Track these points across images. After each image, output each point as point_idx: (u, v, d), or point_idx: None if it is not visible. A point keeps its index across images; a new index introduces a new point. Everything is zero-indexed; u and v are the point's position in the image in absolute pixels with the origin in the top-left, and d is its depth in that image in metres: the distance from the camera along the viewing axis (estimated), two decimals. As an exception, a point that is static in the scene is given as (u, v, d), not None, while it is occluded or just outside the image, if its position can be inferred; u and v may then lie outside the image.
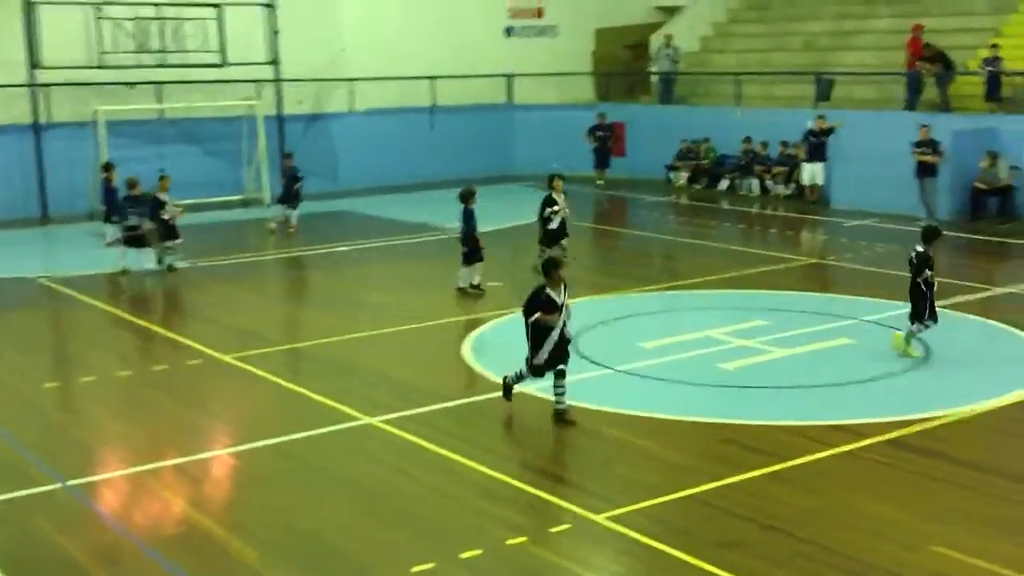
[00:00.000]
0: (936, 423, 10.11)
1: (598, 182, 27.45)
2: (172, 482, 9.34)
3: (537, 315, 10.13)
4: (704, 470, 9.11)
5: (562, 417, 10.29)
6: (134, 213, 17.66)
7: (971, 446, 9.66)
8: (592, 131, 27.58)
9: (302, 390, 11.61)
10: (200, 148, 24.83)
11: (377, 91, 27.40)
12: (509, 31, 30.44)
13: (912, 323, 12.18)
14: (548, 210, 16.47)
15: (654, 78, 29.90)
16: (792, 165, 24.63)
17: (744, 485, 8.83)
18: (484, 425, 10.48)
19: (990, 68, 22.40)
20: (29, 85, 23.52)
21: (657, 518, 8.31)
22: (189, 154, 24.33)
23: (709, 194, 25.88)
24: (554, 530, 8.08)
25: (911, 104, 23.29)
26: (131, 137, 23.86)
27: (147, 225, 17.59)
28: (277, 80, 26.00)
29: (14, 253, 20.04)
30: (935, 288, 12.10)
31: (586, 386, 11.44)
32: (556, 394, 10.36)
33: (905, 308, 12.59)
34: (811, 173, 23.68)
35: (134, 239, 17.61)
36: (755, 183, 25.39)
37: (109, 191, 19.36)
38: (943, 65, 23.26)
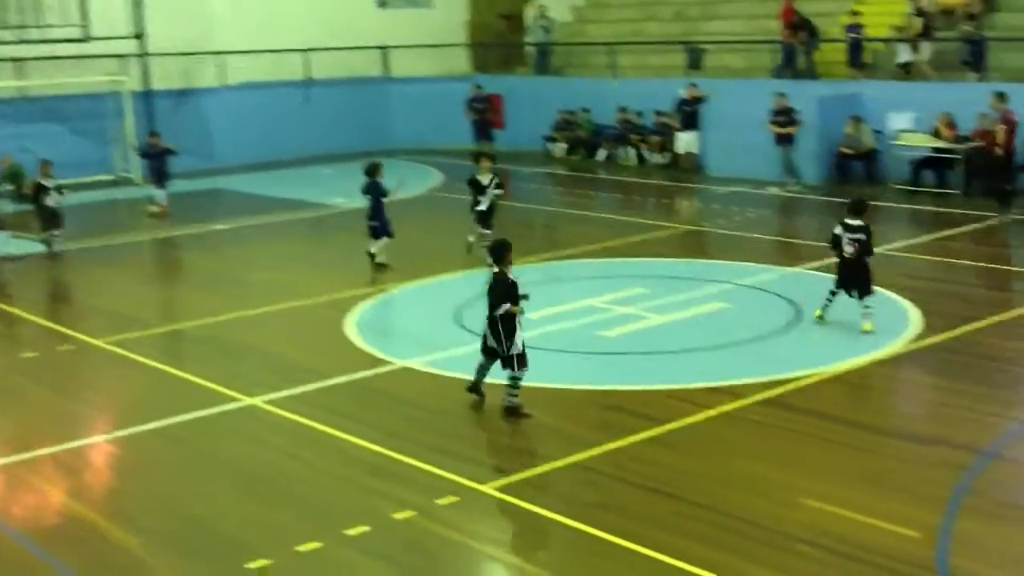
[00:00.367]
0: (806, 382, 10.47)
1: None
2: (48, 472, 9.09)
3: (506, 307, 9.77)
4: (587, 437, 9.27)
5: (516, 412, 9.78)
6: None
7: (838, 402, 10.03)
8: (470, 103, 27.55)
9: (182, 373, 11.40)
10: (65, 127, 24.01)
11: (249, 65, 26.82)
12: (383, 2, 30.14)
13: (862, 298, 11.85)
14: (475, 193, 15.85)
15: (530, 49, 29.99)
16: (667, 134, 25.03)
17: (626, 450, 9.01)
18: (369, 402, 10.46)
19: (853, 35, 23.11)
20: None
21: (543, 486, 8.44)
22: (53, 133, 23.49)
23: (587, 164, 26.15)
24: (441, 502, 8.12)
25: (783, 72, 23.87)
26: (-10, 116, 23.00)
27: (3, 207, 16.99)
28: (143, 55, 25.23)
29: None
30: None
31: (471, 359, 11.48)
32: (513, 388, 9.83)
33: (778, 271, 12.95)
34: (685, 142, 24.10)
35: None
36: (632, 152, 25.75)
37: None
38: (808, 32, 23.91)
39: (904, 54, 22.82)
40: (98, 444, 9.74)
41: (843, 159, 21.98)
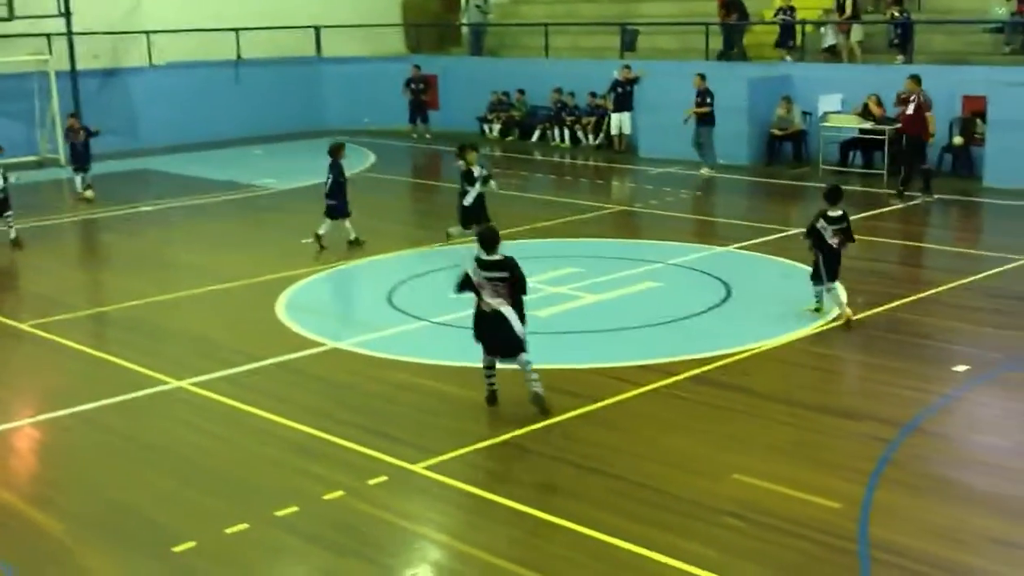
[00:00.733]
0: (735, 358, 10.60)
1: (412, 135, 27.31)
2: (-32, 458, 8.89)
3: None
4: (519, 416, 9.28)
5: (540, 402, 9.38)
6: None
7: (767, 378, 10.16)
8: (408, 83, 27.38)
9: (108, 356, 11.20)
10: (-12, 106, 23.46)
11: (177, 44, 26.36)
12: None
13: (828, 283, 11.73)
14: (464, 185, 14.82)
15: (465, 29, 29.87)
16: (600, 115, 25.11)
17: (559, 427, 9.05)
18: (298, 383, 10.37)
19: (785, 17, 23.35)
20: None
21: (475, 464, 8.44)
22: (-25, 114, 22.95)
23: (521, 145, 26.14)
24: (372, 482, 8.09)
25: (725, 55, 24.04)
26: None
27: None
28: (69, 33, 24.66)
29: None
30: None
31: (402, 339, 11.48)
32: (535, 378, 9.41)
33: (709, 251, 13.04)
34: (618, 123, 24.21)
35: None
36: (566, 133, 25.78)
37: None
38: (740, 14, 24.12)
39: (830, 38, 23.12)
40: (21, 429, 9.54)
41: (773, 140, 22.24)
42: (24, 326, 12.25)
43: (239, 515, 7.61)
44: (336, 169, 15.59)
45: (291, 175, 22.13)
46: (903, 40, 21.78)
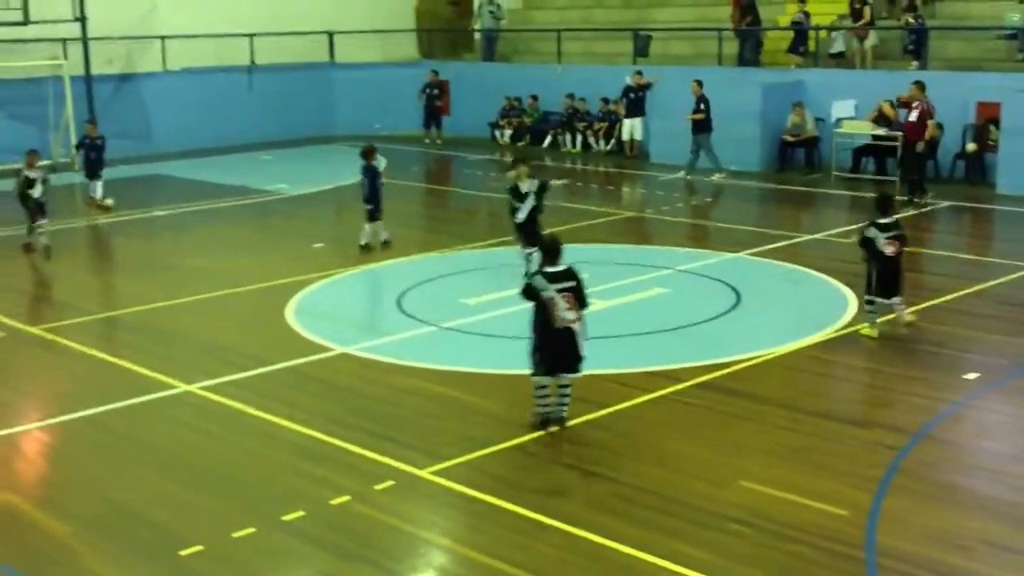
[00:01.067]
0: (743, 365, 10.57)
1: (425, 140, 27.34)
2: (-23, 461, 8.93)
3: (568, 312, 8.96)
4: (525, 421, 9.26)
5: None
6: None
7: (774, 385, 10.13)
8: (424, 88, 27.43)
9: (118, 360, 11.24)
10: (1, 111, 23.53)
11: (192, 49, 26.48)
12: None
13: (885, 301, 11.30)
14: (513, 202, 13.70)
15: (477, 35, 29.91)
16: (612, 121, 25.10)
17: (565, 433, 9.04)
18: (307, 388, 10.38)
19: (799, 23, 23.30)
20: None
21: (481, 470, 8.43)
22: (-10, 117, 23.08)
23: (533, 151, 26.13)
24: (378, 487, 8.09)
25: (750, 60, 24.02)
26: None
27: None
28: (84, 39, 24.77)
29: None
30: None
31: (411, 344, 11.49)
32: (567, 401, 9.18)
33: (718, 257, 13.00)
34: (630, 128, 24.20)
35: None
36: (577, 139, 25.78)
37: None
38: (754, 18, 24.09)
39: (838, 44, 23.09)
40: (30, 432, 9.58)
41: (785, 146, 22.19)
42: (35, 330, 12.30)
43: (246, 519, 7.63)
44: (372, 172, 15.66)
45: (303, 180, 22.19)
46: (917, 46, 21.72)
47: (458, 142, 27.04)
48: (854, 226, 17.00)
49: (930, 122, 18.23)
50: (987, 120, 20.04)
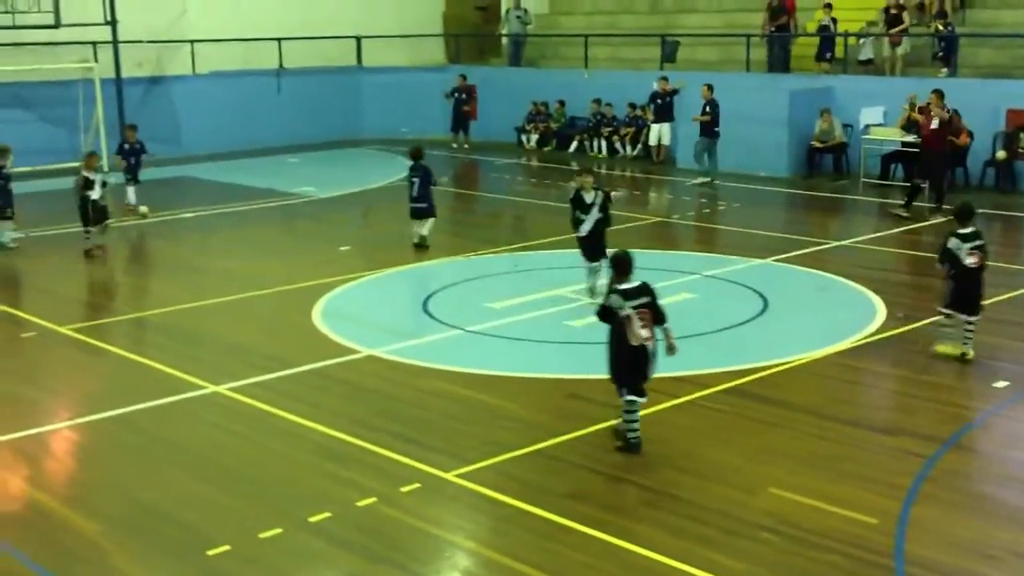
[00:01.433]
0: (772, 371, 10.51)
1: (453, 145, 27.38)
2: (6, 459, 8.98)
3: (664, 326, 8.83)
4: (552, 425, 9.26)
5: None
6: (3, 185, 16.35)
7: (803, 392, 10.08)
8: (452, 93, 27.49)
9: (145, 360, 11.31)
10: (33, 113, 23.74)
11: (221, 53, 26.65)
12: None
13: (965, 317, 10.75)
14: (576, 213, 12.91)
15: (504, 40, 29.94)
16: (639, 126, 25.06)
17: (591, 438, 9.01)
18: (333, 390, 10.41)
19: (827, 29, 23.21)
20: None
21: (507, 473, 8.42)
22: (20, 120, 23.22)
23: (559, 156, 26.14)
24: (404, 489, 8.10)
25: (783, 65, 23.95)
26: (-42, 102, 22.79)
27: None
28: (115, 42, 24.97)
29: None
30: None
31: (437, 347, 11.50)
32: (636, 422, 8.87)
33: (746, 263, 12.92)
34: (658, 134, 24.17)
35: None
36: (603, 144, 25.75)
37: None
38: (785, 25, 24.01)
39: (867, 50, 22.97)
40: (59, 431, 9.64)
41: (813, 152, 22.10)
42: (64, 330, 12.39)
43: (273, 520, 7.65)
44: (423, 171, 15.75)
45: (330, 184, 22.28)
46: (947, 53, 21.57)
47: (485, 147, 27.07)
48: (882, 233, 16.93)
49: (959, 130, 18.09)
50: (1017, 128, 19.87)
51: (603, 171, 24.12)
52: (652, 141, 24.37)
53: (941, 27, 21.69)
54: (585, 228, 12.75)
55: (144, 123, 21.93)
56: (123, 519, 7.83)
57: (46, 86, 23.94)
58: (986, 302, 12.00)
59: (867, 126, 21.42)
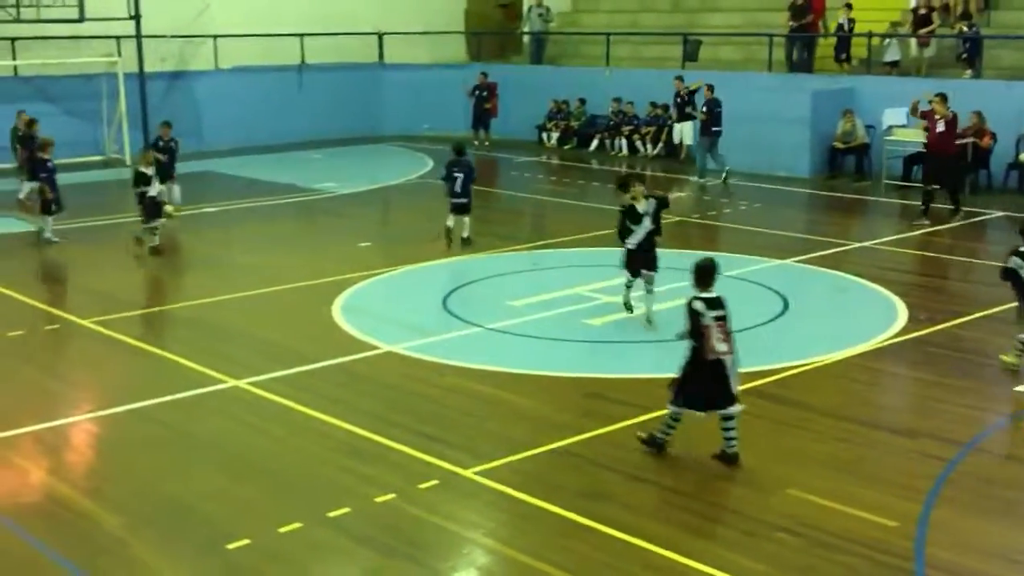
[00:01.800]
0: (792, 373, 10.49)
1: (474, 142, 27.38)
2: (29, 450, 9.06)
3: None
4: (570, 423, 9.27)
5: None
6: (47, 179, 16.43)
7: (823, 393, 10.05)
8: (473, 90, 27.50)
9: (166, 354, 11.37)
10: (57, 106, 23.84)
11: (243, 48, 26.75)
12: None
13: None
14: (626, 222, 12.05)
15: (526, 38, 29.93)
16: (660, 125, 25.03)
17: (609, 437, 9.02)
18: (352, 385, 10.44)
19: (845, 29, 23.12)
20: None
21: (525, 471, 8.43)
22: (45, 112, 23.23)
23: (579, 154, 26.13)
24: (423, 486, 8.12)
25: (807, 65, 23.86)
26: (-18, 94, 22.98)
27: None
28: (138, 36, 25.09)
29: None
30: None
31: (456, 344, 11.52)
32: (735, 436, 8.48)
33: (766, 263, 12.89)
34: (680, 132, 24.15)
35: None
36: (624, 143, 25.72)
37: (33, 147, 17.89)
38: (807, 24, 23.92)
39: (893, 52, 22.85)
40: (80, 423, 9.71)
41: (835, 153, 22.01)
42: (87, 323, 12.47)
43: (292, 514, 7.68)
44: (468, 166, 15.82)
45: (351, 179, 22.33)
46: (971, 55, 21.45)
47: (505, 144, 27.07)
48: (904, 234, 16.85)
49: (982, 131, 17.95)
50: (1041, 130, 19.74)
51: (624, 169, 24.08)
52: (676, 140, 24.41)
53: (965, 28, 21.57)
54: (634, 240, 11.89)
55: (167, 117, 21.97)
56: (144, 511, 7.88)
57: (70, 80, 24.11)
58: (1005, 306, 11.97)
59: (890, 127, 21.30)
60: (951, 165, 17.92)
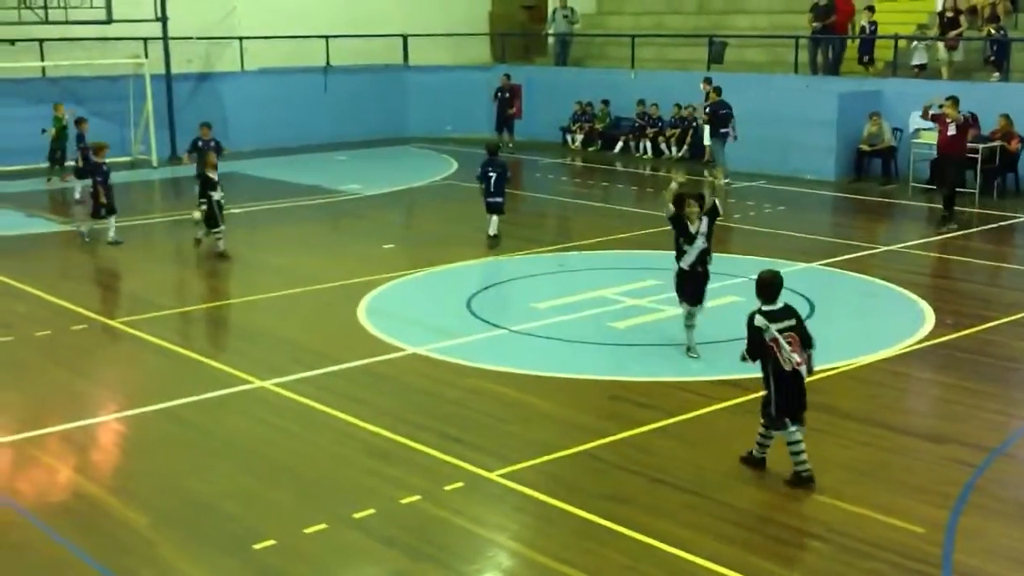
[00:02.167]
0: (817, 377, 10.36)
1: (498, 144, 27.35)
2: (57, 450, 9.13)
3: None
4: (594, 426, 9.26)
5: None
6: (102, 183, 16.48)
7: (848, 398, 9.99)
8: (496, 92, 27.50)
9: (192, 354, 11.43)
10: (84, 108, 23.98)
11: (269, 50, 26.88)
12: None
13: None
14: (680, 241, 11.11)
15: (550, 39, 29.93)
16: (685, 127, 24.96)
17: (633, 440, 9.00)
18: (378, 387, 10.46)
19: (869, 31, 22.99)
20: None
21: (549, 474, 8.42)
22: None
23: (604, 156, 26.09)
24: (448, 488, 8.13)
25: (833, 67, 23.75)
26: (11, 96, 23.18)
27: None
28: (165, 38, 25.27)
29: None
30: None
31: (481, 346, 11.53)
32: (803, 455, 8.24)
33: (792, 267, 12.85)
34: (706, 134, 24.04)
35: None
36: (648, 145, 25.67)
37: (85, 147, 18.07)
38: (831, 26, 23.80)
39: (919, 56, 22.69)
40: (108, 423, 9.78)
41: (862, 156, 21.89)
42: (114, 323, 12.56)
43: (317, 515, 7.71)
44: (502, 166, 16.03)
45: (375, 181, 22.39)
46: (999, 57, 21.28)
47: (530, 146, 27.07)
48: (931, 238, 16.72)
49: (1011, 135, 17.79)
50: (1070, 133, 19.56)
51: (648, 171, 24.05)
52: (705, 141, 24.33)
53: (993, 31, 21.40)
54: (687, 262, 11.05)
55: (193, 119, 22.18)
56: (170, 511, 7.92)
57: (97, 81, 24.29)
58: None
59: (917, 130, 21.15)
60: (956, 169, 17.74)
